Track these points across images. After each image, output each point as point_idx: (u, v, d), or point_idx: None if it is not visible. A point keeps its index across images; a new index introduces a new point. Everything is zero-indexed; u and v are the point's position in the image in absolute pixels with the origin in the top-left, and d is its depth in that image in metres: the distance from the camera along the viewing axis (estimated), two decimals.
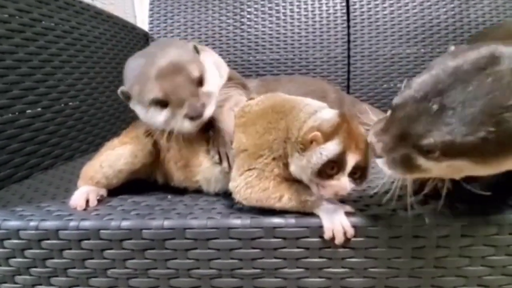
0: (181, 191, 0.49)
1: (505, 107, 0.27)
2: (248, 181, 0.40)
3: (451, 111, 0.29)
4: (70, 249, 0.41)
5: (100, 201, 0.46)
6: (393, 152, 0.33)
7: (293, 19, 1.00)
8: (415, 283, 0.40)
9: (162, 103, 0.44)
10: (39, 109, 0.63)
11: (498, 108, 0.28)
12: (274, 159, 0.41)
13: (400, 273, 0.40)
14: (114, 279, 0.42)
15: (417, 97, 0.31)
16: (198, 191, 0.49)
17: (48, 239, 0.41)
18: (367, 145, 0.39)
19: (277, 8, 1.01)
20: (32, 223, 0.41)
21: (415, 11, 0.96)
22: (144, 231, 0.40)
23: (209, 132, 0.47)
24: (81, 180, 0.49)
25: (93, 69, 0.80)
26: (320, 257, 0.39)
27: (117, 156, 0.48)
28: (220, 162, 0.45)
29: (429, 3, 0.95)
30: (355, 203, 0.42)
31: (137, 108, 0.47)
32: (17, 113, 0.58)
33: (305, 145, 0.38)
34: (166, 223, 0.40)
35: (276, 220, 0.39)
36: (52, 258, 0.41)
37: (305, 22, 0.99)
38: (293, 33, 1.00)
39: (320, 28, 0.99)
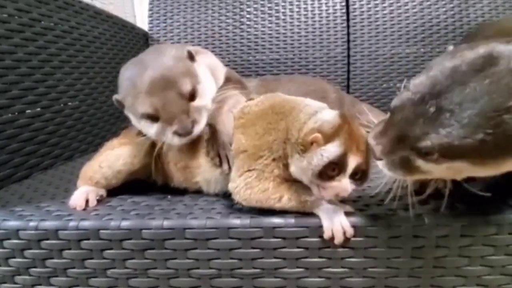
0: (181, 191, 0.49)
1: (504, 109, 0.27)
2: (248, 182, 0.40)
3: (448, 113, 0.29)
4: (69, 249, 0.41)
5: (99, 201, 0.46)
6: (392, 155, 0.33)
7: (292, 19, 1.00)
8: (414, 283, 0.40)
9: (153, 118, 0.44)
10: (39, 109, 0.63)
11: (496, 110, 0.27)
12: (274, 160, 0.41)
13: (400, 273, 0.40)
14: (114, 279, 0.42)
15: (414, 99, 0.31)
16: (198, 192, 0.49)
17: (47, 239, 0.41)
18: (367, 146, 0.39)
19: (276, 8, 1.01)
20: (31, 223, 0.41)
21: (414, 10, 0.96)
22: (143, 231, 0.40)
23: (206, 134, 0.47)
24: (81, 180, 0.49)
25: (92, 69, 0.79)
26: (319, 257, 0.40)
27: (116, 156, 0.48)
28: (220, 164, 0.45)
29: (428, 3, 0.95)
30: (355, 203, 0.42)
31: (131, 117, 0.47)
32: (16, 113, 0.58)
33: (306, 147, 0.38)
34: (166, 223, 0.40)
35: (276, 220, 0.39)
36: (52, 258, 0.41)
37: (305, 22, 0.99)
38: (293, 33, 1.00)
39: (320, 28, 0.99)
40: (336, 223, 0.37)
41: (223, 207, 0.43)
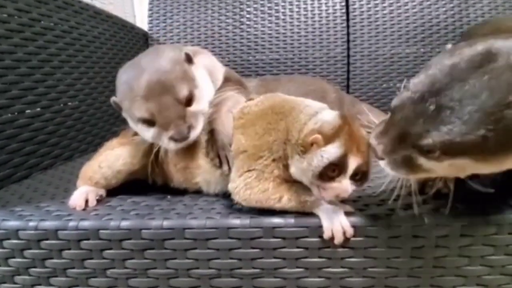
0: (181, 191, 0.49)
1: (504, 104, 0.27)
2: (248, 182, 0.40)
3: (448, 110, 0.29)
4: (69, 249, 0.41)
5: (99, 201, 0.46)
6: (393, 154, 0.33)
7: (292, 19, 1.00)
8: (414, 283, 0.40)
9: (149, 122, 0.44)
10: (38, 109, 0.63)
11: (497, 105, 0.27)
12: (274, 160, 0.41)
13: (399, 272, 0.40)
14: (113, 279, 0.42)
15: (414, 98, 0.31)
16: (198, 192, 0.49)
17: (47, 239, 0.41)
18: (368, 147, 0.39)
19: (276, 8, 1.01)
20: (31, 223, 0.41)
21: (414, 10, 0.96)
22: (143, 231, 0.40)
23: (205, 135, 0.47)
24: (80, 180, 0.48)
25: (92, 69, 0.79)
26: (319, 257, 0.40)
27: (116, 156, 0.48)
28: (220, 165, 0.45)
29: (428, 3, 0.95)
30: (355, 203, 0.42)
31: (128, 120, 0.47)
32: (16, 113, 0.58)
33: (306, 148, 0.38)
34: (166, 223, 0.40)
35: (276, 220, 0.39)
36: (52, 258, 0.41)
37: (305, 22, 0.99)
38: (293, 33, 1.00)
39: (320, 28, 0.99)
40: (336, 223, 0.37)
41: (223, 207, 0.43)
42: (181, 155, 0.47)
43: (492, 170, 0.32)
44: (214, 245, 0.40)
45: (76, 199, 0.45)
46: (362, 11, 0.98)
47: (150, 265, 0.41)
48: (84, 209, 0.44)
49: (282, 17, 1.00)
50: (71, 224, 0.40)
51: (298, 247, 0.39)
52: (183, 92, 0.44)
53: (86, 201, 0.45)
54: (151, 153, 0.47)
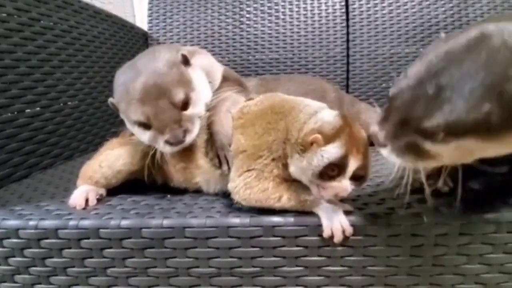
0: (181, 190, 0.49)
1: (505, 79, 0.27)
2: (247, 182, 0.40)
3: (449, 90, 0.28)
4: (69, 248, 0.41)
5: (99, 200, 0.46)
6: (397, 139, 0.32)
7: (292, 18, 1.00)
8: (413, 281, 0.40)
9: (145, 125, 0.44)
10: (38, 108, 0.63)
11: (498, 80, 0.27)
12: (273, 159, 0.41)
13: (399, 271, 0.40)
14: (113, 278, 0.42)
15: (412, 84, 0.30)
16: (198, 191, 0.49)
17: (47, 238, 0.41)
18: (368, 148, 0.39)
19: (276, 7, 1.01)
20: (31, 222, 0.41)
21: (414, 10, 0.96)
22: (143, 230, 0.40)
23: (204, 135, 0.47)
24: (80, 180, 0.49)
25: (92, 68, 0.79)
26: (319, 256, 0.40)
27: (116, 156, 0.48)
28: (220, 165, 0.45)
29: (428, 3, 0.95)
30: (354, 202, 0.42)
31: (125, 121, 0.48)
32: (16, 113, 0.58)
33: (305, 147, 0.38)
34: (166, 222, 0.40)
35: (275, 219, 0.39)
36: (52, 257, 0.41)
37: (304, 21, 0.99)
38: (293, 32, 1.00)
39: (320, 28, 0.99)
40: (335, 222, 0.37)
41: (223, 206, 0.43)
42: (180, 155, 0.47)
43: (500, 150, 0.31)
44: (214, 244, 0.40)
45: (76, 198, 0.45)
46: (362, 11, 0.98)
47: (150, 264, 0.41)
48: (84, 208, 0.44)
49: (282, 16, 1.00)
50: (71, 223, 0.40)
51: (297, 246, 0.39)
52: (179, 95, 0.44)
53: (86, 200, 0.45)
54: (153, 153, 0.47)
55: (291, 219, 0.39)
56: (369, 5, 0.97)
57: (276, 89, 0.67)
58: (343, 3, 0.99)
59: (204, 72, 0.53)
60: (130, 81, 0.44)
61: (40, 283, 0.42)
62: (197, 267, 0.41)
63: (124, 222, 0.40)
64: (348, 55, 0.98)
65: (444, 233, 0.38)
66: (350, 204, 0.40)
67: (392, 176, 0.37)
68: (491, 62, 0.27)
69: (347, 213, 0.39)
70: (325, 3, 0.99)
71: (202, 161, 0.47)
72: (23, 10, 0.61)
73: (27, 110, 0.61)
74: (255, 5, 1.01)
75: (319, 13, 0.99)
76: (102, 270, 0.41)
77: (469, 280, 0.40)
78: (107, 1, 1.24)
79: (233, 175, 0.42)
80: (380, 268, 0.40)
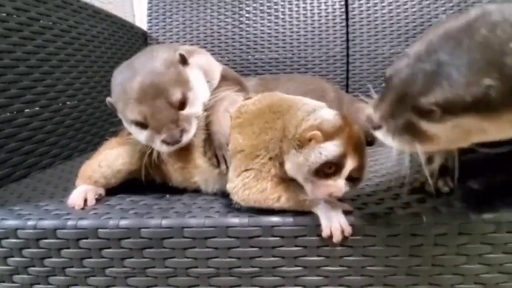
0: (180, 190, 0.49)
1: (505, 52, 0.26)
2: (246, 182, 0.40)
3: (448, 66, 0.27)
4: (68, 248, 0.41)
5: (98, 200, 0.46)
6: (393, 119, 0.31)
7: (292, 18, 1.00)
8: (412, 281, 0.40)
9: (142, 125, 0.44)
10: (37, 108, 0.63)
11: (499, 53, 0.26)
12: (270, 158, 0.41)
13: (398, 271, 0.40)
14: (112, 278, 0.42)
15: (410, 62, 0.30)
16: (197, 191, 0.49)
17: (46, 238, 0.41)
18: (365, 151, 0.39)
19: (276, 7, 1.01)
20: (30, 222, 0.41)
21: (413, 10, 0.96)
22: (142, 230, 0.40)
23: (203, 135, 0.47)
24: (80, 179, 0.48)
25: (91, 68, 0.79)
26: (318, 256, 0.40)
27: (115, 156, 0.48)
28: (218, 164, 0.45)
29: (427, 2, 0.95)
30: (353, 202, 0.42)
31: (123, 121, 0.48)
32: (15, 112, 0.58)
33: (302, 142, 0.37)
34: (164, 222, 0.40)
35: (274, 219, 0.39)
36: (50, 257, 0.41)
37: (304, 21, 0.99)
38: (292, 32, 1.00)
39: (319, 27, 0.99)
40: (335, 222, 0.37)
41: (222, 206, 0.43)
42: (178, 155, 0.47)
43: (498, 133, 0.30)
44: (212, 244, 0.40)
45: (75, 198, 0.45)
46: (362, 11, 0.98)
47: (149, 264, 0.41)
48: (83, 208, 0.44)
49: (282, 16, 1.00)
50: (70, 223, 0.40)
51: (296, 246, 0.39)
52: (176, 95, 0.44)
53: (85, 200, 0.45)
54: (151, 152, 0.47)
55: (290, 219, 0.39)
56: (368, 5, 0.97)
57: (276, 88, 0.66)
58: (342, 3, 0.99)
59: (202, 71, 0.52)
60: (128, 80, 0.44)
61: (38, 283, 0.42)
62: (196, 267, 0.41)
63: (123, 222, 0.40)
64: (347, 55, 0.98)
65: (444, 233, 0.38)
66: (349, 204, 0.40)
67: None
68: (491, 37, 0.27)
69: (346, 213, 0.38)
70: (325, 2, 0.99)
71: (200, 160, 0.47)
72: (22, 10, 0.61)
73: (26, 110, 0.61)
74: (254, 5, 1.01)
75: (318, 13, 0.99)
76: (101, 270, 0.41)
77: (469, 280, 0.40)
78: (106, 0, 1.24)
79: (232, 175, 0.42)
80: (379, 268, 0.40)
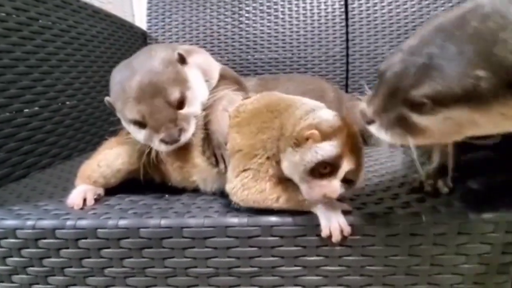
0: (179, 190, 0.49)
1: (495, 42, 0.26)
2: (244, 183, 0.40)
3: (439, 58, 0.28)
4: (67, 248, 0.41)
5: (97, 200, 0.46)
6: (385, 113, 0.31)
7: (291, 18, 1.00)
8: (411, 281, 0.40)
9: (140, 124, 0.44)
10: (37, 108, 0.63)
11: (490, 43, 0.26)
12: (268, 158, 0.40)
13: (397, 270, 0.40)
14: (111, 278, 0.42)
15: (403, 57, 0.30)
16: (196, 190, 0.49)
17: (45, 238, 0.40)
18: (363, 153, 0.39)
19: (275, 7, 1.01)
20: (29, 222, 0.41)
21: (413, 10, 0.96)
22: (141, 229, 0.40)
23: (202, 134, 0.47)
24: (79, 179, 0.48)
25: (90, 68, 0.79)
26: (317, 255, 0.40)
27: (115, 155, 0.48)
28: (217, 163, 0.45)
29: (427, 2, 0.95)
30: (352, 201, 0.42)
31: (122, 120, 0.48)
32: (14, 112, 0.58)
33: (300, 141, 0.37)
34: (164, 221, 0.40)
35: (273, 219, 0.39)
36: (49, 257, 0.41)
37: (304, 21, 0.99)
38: (292, 32, 1.00)
39: (319, 27, 0.99)
40: (334, 222, 0.37)
41: (221, 205, 0.43)
42: (177, 154, 0.47)
43: (491, 125, 0.30)
44: (212, 244, 0.40)
45: (74, 198, 0.45)
46: (361, 10, 0.98)
47: (148, 264, 0.41)
48: (82, 208, 0.44)
49: (281, 16, 1.00)
50: (69, 223, 0.40)
51: (296, 246, 0.39)
52: (175, 94, 0.44)
53: (84, 200, 0.45)
54: (150, 152, 0.47)
55: (289, 219, 0.39)
56: (368, 5, 0.97)
57: (275, 88, 0.66)
58: (342, 3, 0.99)
59: (201, 70, 0.52)
60: (126, 79, 0.44)
61: (37, 283, 0.42)
62: (195, 267, 0.41)
63: (122, 222, 0.40)
64: (347, 55, 0.98)
65: (443, 233, 0.38)
66: (349, 203, 0.40)
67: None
68: (482, 28, 0.27)
69: (345, 212, 0.38)
70: (325, 2, 0.99)
71: (198, 159, 0.47)
72: (22, 10, 0.61)
73: (26, 110, 0.61)
74: (254, 5, 1.01)
75: (318, 13, 0.99)
76: (100, 270, 0.41)
77: (468, 279, 0.40)
78: (106, 0, 1.24)
79: (230, 176, 0.42)
80: (378, 267, 0.40)
